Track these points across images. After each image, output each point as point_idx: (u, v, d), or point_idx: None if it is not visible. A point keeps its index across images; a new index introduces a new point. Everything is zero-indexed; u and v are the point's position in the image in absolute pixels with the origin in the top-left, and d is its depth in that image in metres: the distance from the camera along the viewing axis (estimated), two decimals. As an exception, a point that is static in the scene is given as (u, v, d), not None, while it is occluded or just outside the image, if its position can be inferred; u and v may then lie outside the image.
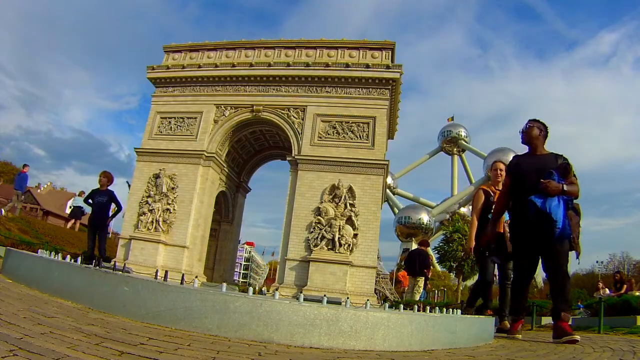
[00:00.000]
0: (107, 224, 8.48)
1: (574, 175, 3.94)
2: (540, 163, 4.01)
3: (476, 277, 6.42)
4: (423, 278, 11.59)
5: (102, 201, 7.94)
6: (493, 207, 4.90)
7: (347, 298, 3.58)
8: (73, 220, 19.43)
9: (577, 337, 3.73)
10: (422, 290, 11.76)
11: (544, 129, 4.18)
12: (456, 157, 60.17)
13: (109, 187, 8.14)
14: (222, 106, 18.36)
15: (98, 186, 8.13)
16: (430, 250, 14.50)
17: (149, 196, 17.40)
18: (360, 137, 16.65)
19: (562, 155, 4.07)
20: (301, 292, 12.98)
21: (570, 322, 4.00)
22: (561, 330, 3.76)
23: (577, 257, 4.07)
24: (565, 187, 3.71)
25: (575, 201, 4.01)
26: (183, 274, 7.10)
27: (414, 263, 11.49)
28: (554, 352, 3.03)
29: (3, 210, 16.11)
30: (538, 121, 4.23)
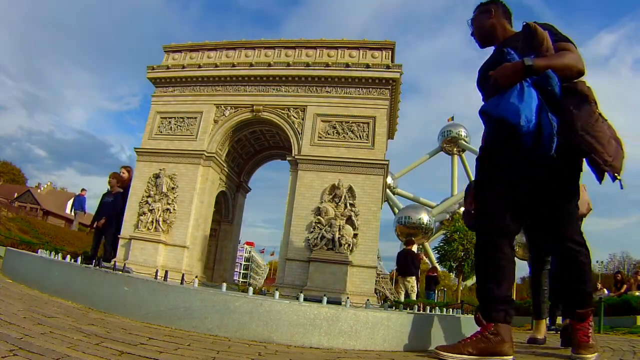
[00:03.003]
0: (112, 224, 8.40)
1: (561, 38, 2.29)
2: (495, 53, 2.60)
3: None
4: (414, 277, 11.83)
5: (109, 201, 7.83)
6: None
7: (347, 298, 3.58)
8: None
9: (591, 356, 2.27)
10: (416, 289, 11.99)
11: (497, 7, 2.65)
12: (456, 157, 60.11)
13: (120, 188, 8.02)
14: (222, 106, 18.35)
15: (108, 188, 8.00)
16: (415, 247, 14.49)
17: (149, 196, 17.39)
18: (360, 137, 16.64)
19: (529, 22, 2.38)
20: (301, 292, 12.99)
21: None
22: (574, 338, 2.35)
23: (615, 178, 2.14)
24: (530, 62, 2.13)
25: (579, 81, 2.25)
26: (183, 274, 7.10)
27: (403, 263, 11.75)
28: (554, 351, 3.03)
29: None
30: (484, 3, 2.73)
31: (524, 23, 2.33)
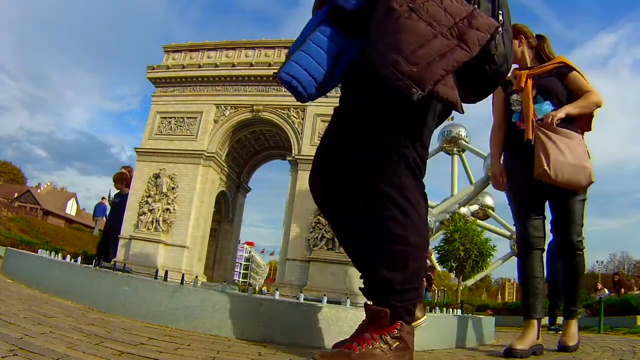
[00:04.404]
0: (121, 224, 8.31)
1: None
2: None
3: (477, 277, 5.94)
4: None
5: (117, 202, 7.77)
6: None
7: (347, 298, 3.56)
8: None
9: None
10: None
11: None
12: (456, 157, 60.07)
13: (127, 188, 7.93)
14: (222, 106, 18.37)
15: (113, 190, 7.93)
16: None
17: (149, 196, 17.42)
18: (360, 137, 16.66)
19: None
20: (301, 292, 13.01)
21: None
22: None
23: (416, 95, 1.26)
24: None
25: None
26: (183, 274, 7.09)
27: None
28: (554, 351, 3.03)
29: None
30: None
31: None
